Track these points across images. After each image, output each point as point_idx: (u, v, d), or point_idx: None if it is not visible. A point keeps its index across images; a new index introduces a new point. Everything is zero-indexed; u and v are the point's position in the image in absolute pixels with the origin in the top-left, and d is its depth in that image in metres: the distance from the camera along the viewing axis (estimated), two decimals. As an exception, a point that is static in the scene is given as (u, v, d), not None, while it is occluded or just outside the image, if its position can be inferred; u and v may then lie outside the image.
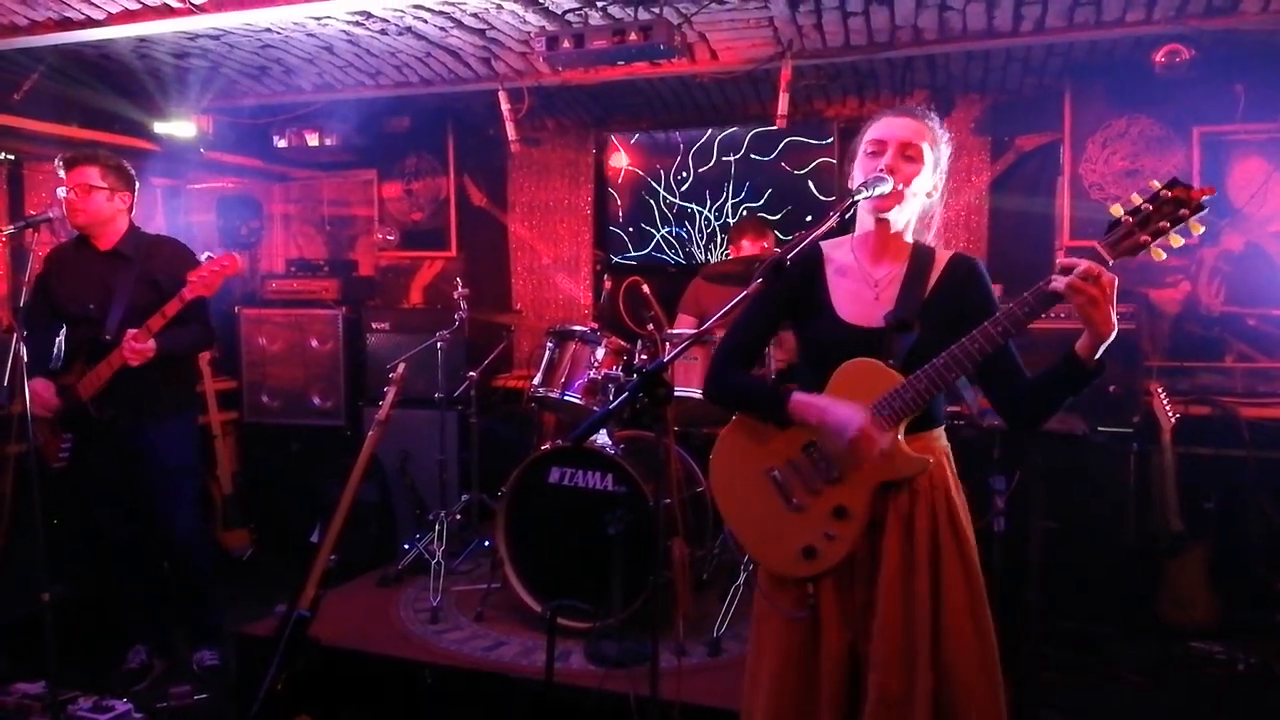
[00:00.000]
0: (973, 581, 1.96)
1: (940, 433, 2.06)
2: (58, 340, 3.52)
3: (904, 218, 2.03)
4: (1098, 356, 1.82)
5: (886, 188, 1.94)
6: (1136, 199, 1.78)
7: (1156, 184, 1.77)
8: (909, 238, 2.07)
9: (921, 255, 2.04)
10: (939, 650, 1.91)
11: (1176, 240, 1.77)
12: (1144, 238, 1.75)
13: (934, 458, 1.97)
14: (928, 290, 2.00)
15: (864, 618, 1.96)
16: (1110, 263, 1.77)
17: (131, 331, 3.35)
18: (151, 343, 3.37)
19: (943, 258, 2.05)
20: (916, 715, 1.87)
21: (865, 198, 1.94)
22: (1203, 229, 1.77)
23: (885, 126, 2.02)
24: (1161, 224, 1.75)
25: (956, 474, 2.06)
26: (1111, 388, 3.87)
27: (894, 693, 1.89)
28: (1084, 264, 1.74)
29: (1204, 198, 1.75)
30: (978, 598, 1.96)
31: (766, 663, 2.04)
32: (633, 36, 3.63)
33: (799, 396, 2.01)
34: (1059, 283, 1.76)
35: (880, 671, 1.91)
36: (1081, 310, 1.76)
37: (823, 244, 2.12)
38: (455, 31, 4.07)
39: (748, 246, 4.39)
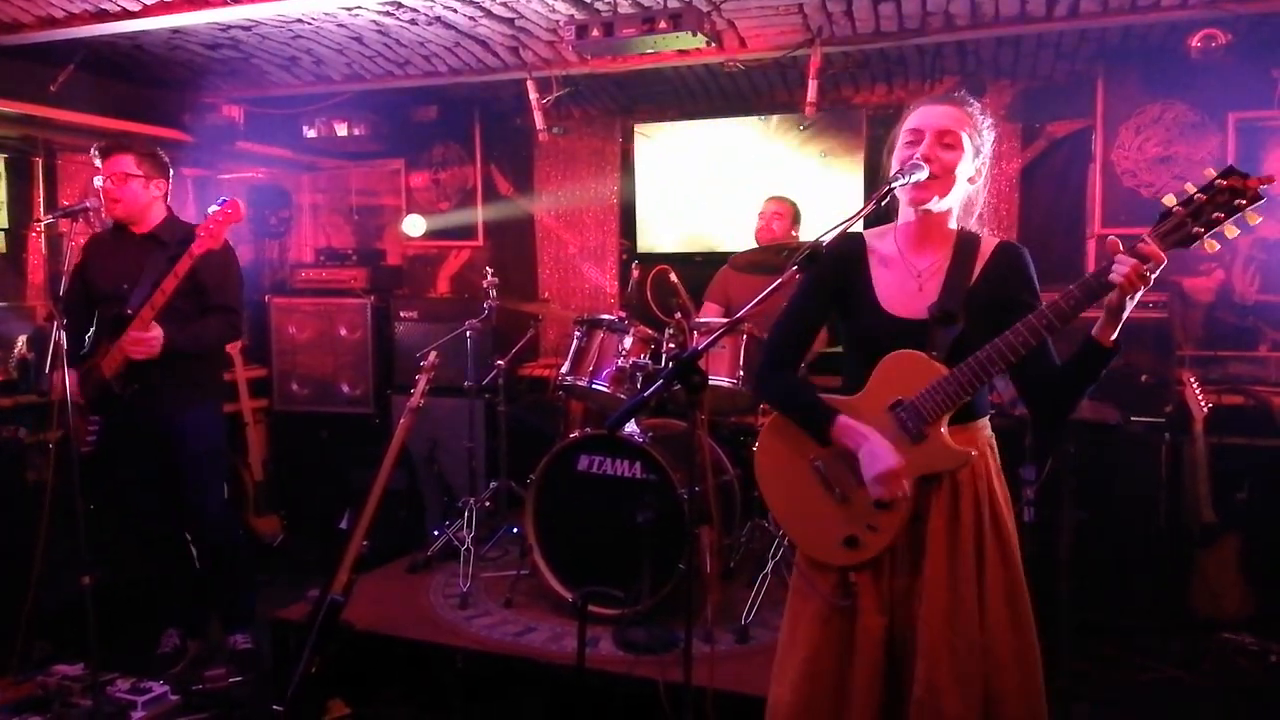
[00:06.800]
0: (1011, 572, 1.96)
1: (984, 423, 2.05)
2: (92, 326, 3.56)
3: (945, 206, 2.01)
4: (1114, 338, 1.81)
5: (922, 175, 1.93)
6: (1190, 189, 1.72)
7: (1212, 172, 1.71)
8: (953, 225, 2.06)
9: (966, 244, 2.02)
10: (983, 642, 1.90)
11: (1232, 231, 1.71)
12: (1196, 229, 1.71)
13: (976, 449, 1.95)
14: (972, 280, 1.98)
15: (905, 605, 1.96)
16: (1165, 256, 1.72)
17: (132, 328, 3.31)
18: (155, 332, 3.32)
19: (988, 246, 2.03)
20: (962, 702, 1.87)
21: (901, 185, 1.93)
22: (1259, 219, 1.71)
23: (922, 115, 2.01)
24: (1215, 215, 1.70)
25: (1000, 464, 2.05)
26: (1144, 377, 3.84)
27: (940, 680, 1.89)
28: (1143, 250, 1.70)
29: (1262, 187, 1.69)
30: (1016, 589, 1.96)
31: (800, 642, 2.05)
32: (662, 24, 3.63)
33: (843, 421, 1.99)
34: (1117, 274, 1.72)
35: (926, 660, 1.91)
36: (1120, 299, 1.75)
37: (866, 234, 2.12)
38: (484, 21, 4.08)
39: (770, 210, 4.51)
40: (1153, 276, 1.72)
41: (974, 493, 1.96)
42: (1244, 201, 1.68)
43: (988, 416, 2.07)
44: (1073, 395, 1.95)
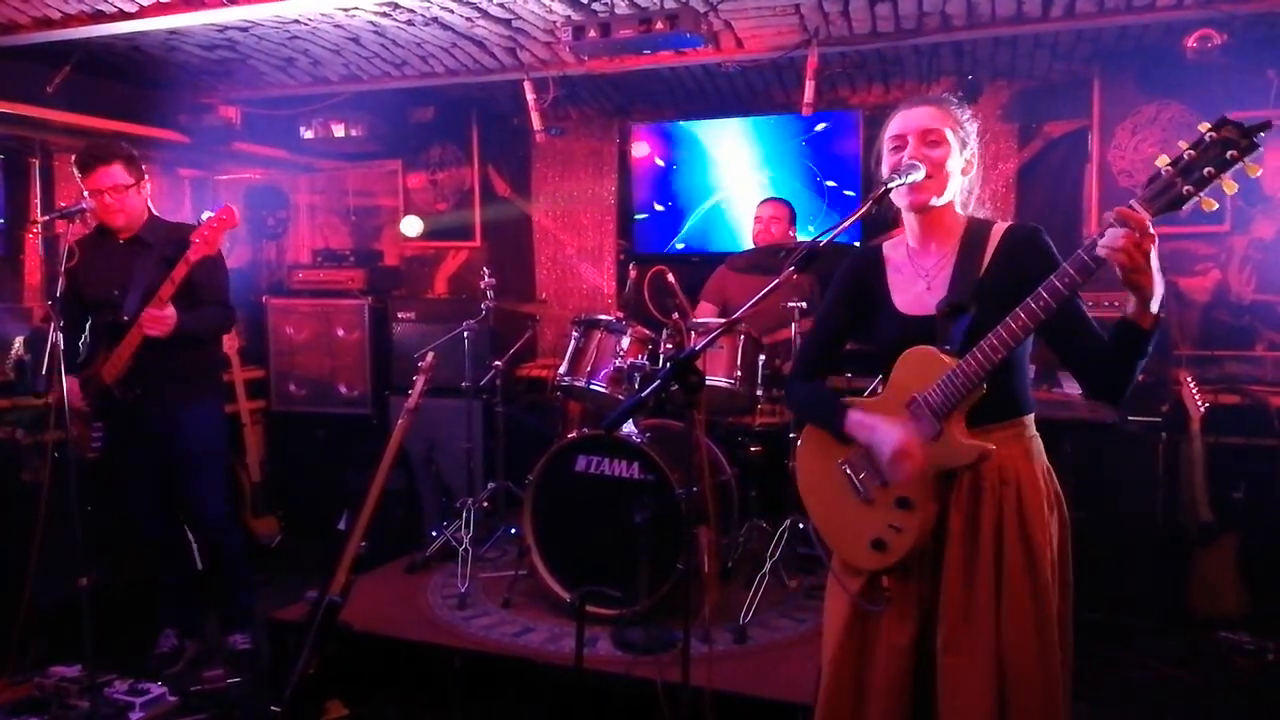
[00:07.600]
0: (1037, 582, 1.90)
1: (1022, 423, 2.00)
2: (85, 333, 3.55)
3: (944, 201, 2.00)
4: (1154, 310, 1.70)
5: (919, 175, 1.92)
6: (1182, 145, 1.61)
7: (1204, 126, 1.59)
8: (960, 212, 2.05)
9: (974, 233, 2.00)
10: (1000, 646, 1.89)
11: (1231, 186, 1.59)
12: (1186, 188, 1.59)
13: (996, 448, 1.89)
14: (983, 268, 1.96)
15: (929, 611, 1.96)
16: (1150, 220, 1.61)
17: (151, 306, 3.32)
18: (170, 310, 3.32)
19: (998, 231, 2.00)
20: (977, 700, 1.87)
21: (898, 185, 1.93)
22: (1259, 170, 1.58)
23: (903, 120, 2.01)
24: (1207, 170, 1.57)
25: (1046, 469, 2.00)
26: (1140, 376, 3.83)
27: (957, 679, 1.90)
28: (1122, 214, 1.61)
29: (1259, 135, 1.55)
30: (1040, 598, 1.90)
31: (829, 644, 2.08)
32: (659, 25, 3.64)
33: (854, 415, 2.02)
34: (1103, 248, 1.63)
35: (946, 664, 1.92)
36: (1124, 275, 1.66)
37: (884, 246, 2.13)
38: (481, 21, 4.08)
39: (767, 214, 4.51)
40: (1152, 246, 1.61)
41: (997, 497, 1.92)
42: (1237, 153, 1.56)
43: (1030, 416, 2.01)
44: (1124, 375, 1.85)
